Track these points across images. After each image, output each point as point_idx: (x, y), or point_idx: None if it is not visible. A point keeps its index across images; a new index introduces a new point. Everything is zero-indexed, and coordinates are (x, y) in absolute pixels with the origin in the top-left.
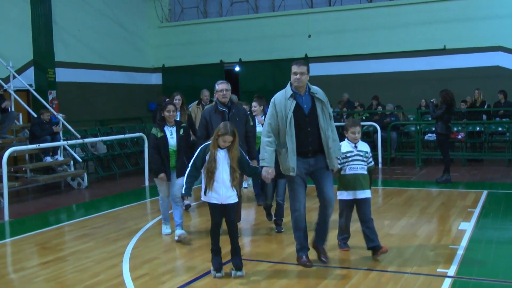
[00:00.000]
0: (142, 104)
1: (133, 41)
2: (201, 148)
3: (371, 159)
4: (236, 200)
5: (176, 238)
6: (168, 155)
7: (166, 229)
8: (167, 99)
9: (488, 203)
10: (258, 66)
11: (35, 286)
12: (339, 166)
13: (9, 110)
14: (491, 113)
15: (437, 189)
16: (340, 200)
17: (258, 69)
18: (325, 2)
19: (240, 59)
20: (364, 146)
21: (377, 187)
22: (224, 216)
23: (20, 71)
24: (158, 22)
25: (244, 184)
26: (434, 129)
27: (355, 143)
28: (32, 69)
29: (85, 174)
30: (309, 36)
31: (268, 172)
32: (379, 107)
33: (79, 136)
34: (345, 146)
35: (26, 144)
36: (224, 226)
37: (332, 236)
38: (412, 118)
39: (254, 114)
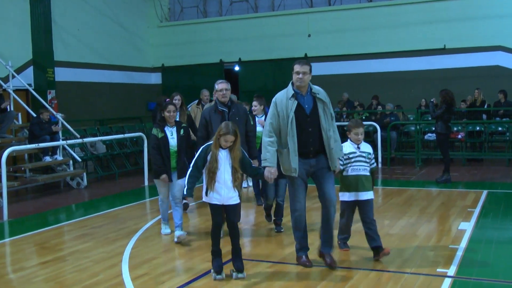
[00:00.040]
0: (141, 103)
1: (133, 40)
2: (202, 148)
3: (373, 160)
4: (238, 201)
5: (175, 239)
6: (169, 156)
7: (165, 229)
8: (167, 99)
9: (488, 203)
10: (257, 65)
11: (34, 286)
12: (341, 167)
13: (8, 110)
14: (491, 112)
15: (437, 189)
16: (342, 201)
17: (258, 69)
18: (325, 2)
19: (239, 59)
20: (366, 147)
21: (377, 187)
22: (226, 217)
23: (19, 70)
24: (157, 21)
25: (244, 184)
26: (434, 128)
27: (358, 144)
28: (31, 68)
29: (85, 173)
30: (309, 35)
31: (270, 172)
32: (379, 107)
33: (78, 136)
34: (348, 147)
35: (25, 144)
36: (224, 226)
37: None
38: (412, 118)
39: (254, 113)
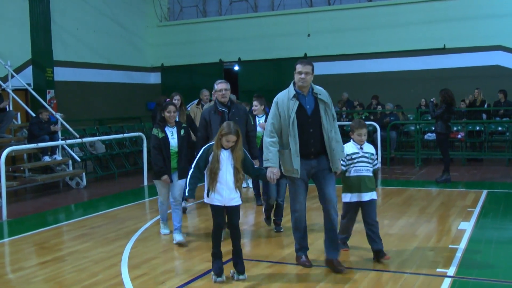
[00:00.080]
0: (141, 103)
1: (132, 40)
2: (204, 148)
3: (376, 161)
4: (240, 202)
5: (174, 242)
6: (170, 156)
7: (164, 229)
8: (167, 99)
9: (488, 203)
10: (257, 65)
11: (33, 286)
12: (344, 168)
13: (7, 109)
14: (491, 112)
15: (437, 188)
16: (344, 203)
17: (258, 68)
18: (325, 1)
19: (239, 58)
20: (369, 148)
21: (376, 187)
22: (227, 218)
23: (18, 70)
24: (157, 21)
25: (243, 184)
26: (433, 128)
27: (361, 145)
28: (30, 68)
29: (84, 173)
30: (309, 35)
31: (273, 173)
32: (379, 107)
33: (77, 136)
34: (351, 147)
35: (24, 144)
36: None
37: None
38: (411, 118)
39: (254, 113)
